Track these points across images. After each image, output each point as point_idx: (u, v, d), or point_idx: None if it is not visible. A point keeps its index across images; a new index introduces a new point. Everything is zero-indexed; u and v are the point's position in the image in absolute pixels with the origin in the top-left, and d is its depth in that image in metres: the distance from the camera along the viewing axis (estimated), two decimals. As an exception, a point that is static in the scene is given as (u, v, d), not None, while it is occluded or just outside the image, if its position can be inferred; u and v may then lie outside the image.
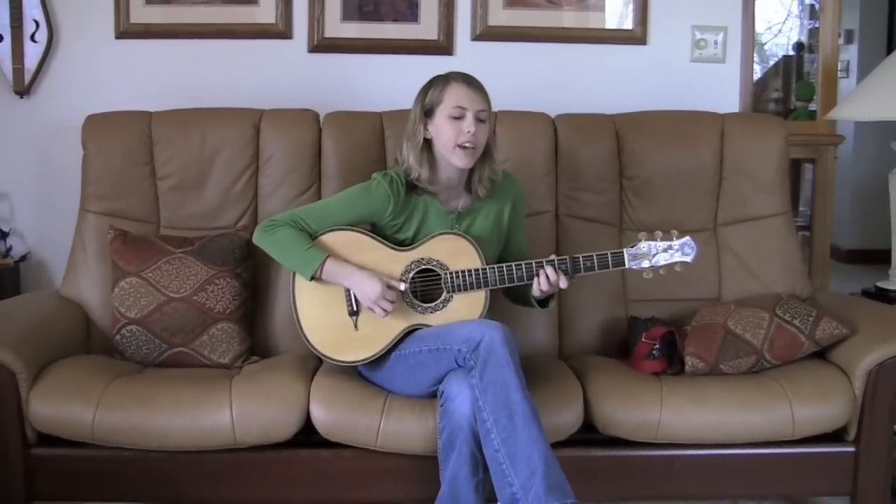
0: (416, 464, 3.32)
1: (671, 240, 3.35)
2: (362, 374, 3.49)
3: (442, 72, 3.44)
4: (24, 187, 4.39)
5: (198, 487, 3.37)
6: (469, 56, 4.41)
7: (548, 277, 3.31)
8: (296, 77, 4.39)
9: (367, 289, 3.29)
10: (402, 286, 3.34)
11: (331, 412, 3.33)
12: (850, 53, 8.08)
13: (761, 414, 3.38)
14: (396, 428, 3.29)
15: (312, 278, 3.33)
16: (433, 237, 3.40)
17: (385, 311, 3.30)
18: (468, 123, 3.32)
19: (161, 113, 4.01)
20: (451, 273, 3.36)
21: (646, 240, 3.35)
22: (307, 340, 3.40)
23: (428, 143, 3.41)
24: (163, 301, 3.65)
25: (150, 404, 3.32)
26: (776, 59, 7.48)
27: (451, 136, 3.33)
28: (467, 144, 3.33)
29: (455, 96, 3.34)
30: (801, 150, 4.71)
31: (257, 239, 3.44)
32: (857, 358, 3.44)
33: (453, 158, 3.36)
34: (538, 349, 3.84)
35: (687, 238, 3.36)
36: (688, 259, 3.35)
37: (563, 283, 3.32)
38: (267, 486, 3.38)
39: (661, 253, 3.34)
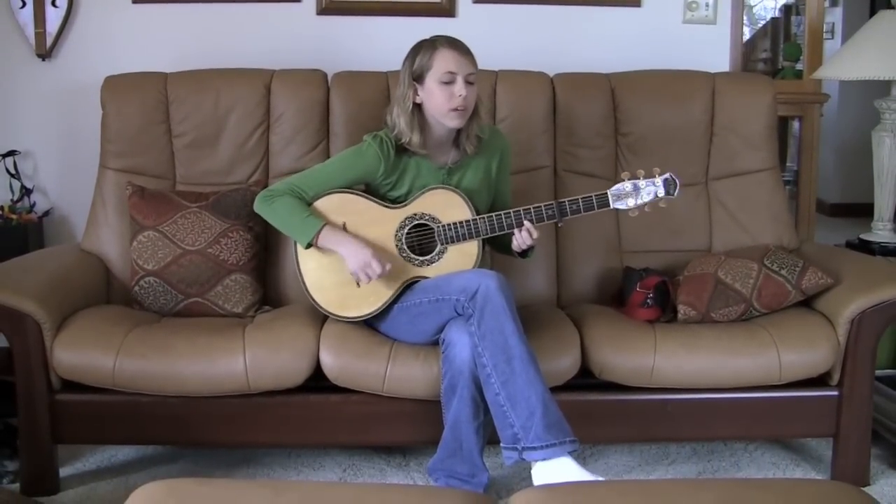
0: (420, 408, 3.31)
1: (654, 177, 3.31)
2: (369, 324, 3.46)
3: (427, 36, 3.40)
4: (46, 146, 4.34)
5: (213, 431, 3.36)
6: (471, 18, 4.35)
7: (529, 232, 3.29)
8: (305, 39, 4.33)
9: (357, 256, 3.27)
10: (387, 266, 3.28)
11: (340, 359, 3.31)
12: (835, 16, 7.99)
13: (750, 360, 3.37)
14: (402, 374, 3.28)
15: (309, 245, 3.31)
16: (424, 192, 3.37)
17: (369, 277, 3.27)
18: (459, 87, 3.28)
19: (176, 74, 3.97)
20: (443, 226, 3.33)
21: (629, 179, 3.31)
22: (313, 300, 3.40)
23: (418, 107, 3.36)
24: (179, 254, 3.62)
25: (167, 352, 3.30)
26: (764, 20, 7.41)
27: (443, 100, 3.29)
28: (459, 107, 3.29)
29: (444, 62, 3.29)
30: (788, 107, 4.66)
31: (258, 208, 3.43)
32: (840, 306, 3.42)
33: (446, 120, 3.33)
34: (537, 298, 3.82)
35: (669, 174, 3.32)
36: (671, 195, 3.31)
37: (536, 234, 3.30)
38: (278, 429, 3.37)
39: (643, 190, 3.30)
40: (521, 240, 3.31)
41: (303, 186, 3.38)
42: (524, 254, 3.42)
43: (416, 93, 3.34)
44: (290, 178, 3.46)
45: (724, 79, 4.09)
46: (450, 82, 3.28)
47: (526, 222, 3.29)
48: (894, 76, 4.10)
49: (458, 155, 3.46)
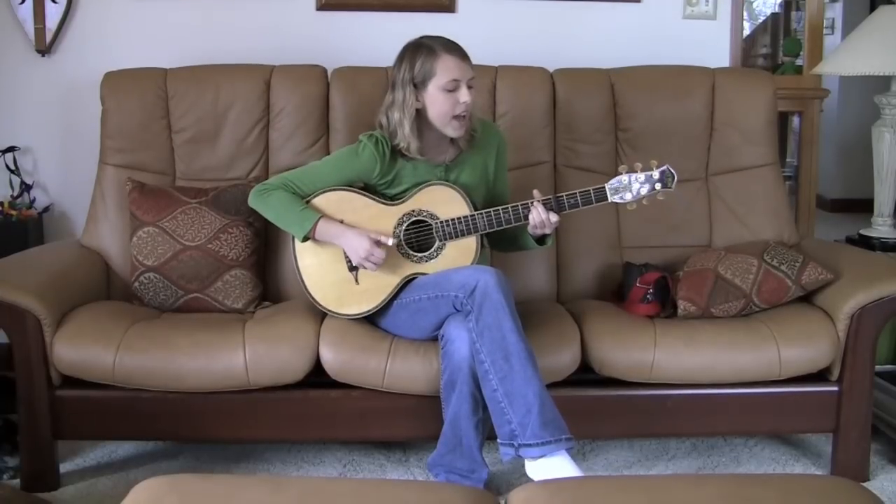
0: (420, 403, 3.31)
1: (651, 170, 3.30)
2: (369, 319, 3.46)
3: (415, 37, 3.37)
4: (46, 142, 4.34)
5: (213, 426, 3.36)
6: (471, 13, 4.34)
7: (540, 215, 3.26)
8: (305, 34, 4.33)
9: (356, 246, 3.27)
10: (390, 241, 3.30)
11: (340, 354, 3.31)
12: (835, 11, 7.98)
13: (750, 355, 3.37)
14: (402, 369, 3.28)
15: (306, 238, 3.31)
16: (421, 189, 3.36)
17: (374, 265, 3.27)
18: (463, 94, 3.27)
19: (176, 70, 3.97)
20: (441, 222, 3.33)
21: (626, 172, 3.30)
22: (312, 298, 3.41)
23: (418, 112, 3.34)
24: (179, 249, 3.62)
25: (167, 347, 3.30)
26: (764, 16, 7.39)
27: (447, 108, 3.28)
28: (462, 114, 3.29)
29: (448, 70, 3.26)
30: (788, 103, 4.66)
31: (252, 202, 3.43)
32: (840, 302, 3.42)
33: (447, 129, 3.32)
34: (537, 294, 3.82)
35: (666, 167, 3.30)
36: (669, 187, 3.30)
37: (555, 219, 3.26)
38: (278, 424, 3.37)
39: (641, 184, 3.29)
40: (537, 219, 3.24)
41: (297, 183, 3.38)
42: (542, 241, 3.40)
43: (416, 99, 3.32)
44: (284, 173, 3.47)
45: (723, 74, 4.08)
46: (454, 90, 3.27)
47: (539, 207, 3.25)
48: (894, 72, 4.10)
49: (455, 152, 3.45)
